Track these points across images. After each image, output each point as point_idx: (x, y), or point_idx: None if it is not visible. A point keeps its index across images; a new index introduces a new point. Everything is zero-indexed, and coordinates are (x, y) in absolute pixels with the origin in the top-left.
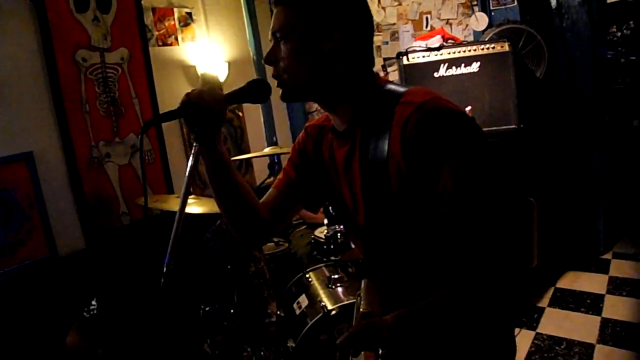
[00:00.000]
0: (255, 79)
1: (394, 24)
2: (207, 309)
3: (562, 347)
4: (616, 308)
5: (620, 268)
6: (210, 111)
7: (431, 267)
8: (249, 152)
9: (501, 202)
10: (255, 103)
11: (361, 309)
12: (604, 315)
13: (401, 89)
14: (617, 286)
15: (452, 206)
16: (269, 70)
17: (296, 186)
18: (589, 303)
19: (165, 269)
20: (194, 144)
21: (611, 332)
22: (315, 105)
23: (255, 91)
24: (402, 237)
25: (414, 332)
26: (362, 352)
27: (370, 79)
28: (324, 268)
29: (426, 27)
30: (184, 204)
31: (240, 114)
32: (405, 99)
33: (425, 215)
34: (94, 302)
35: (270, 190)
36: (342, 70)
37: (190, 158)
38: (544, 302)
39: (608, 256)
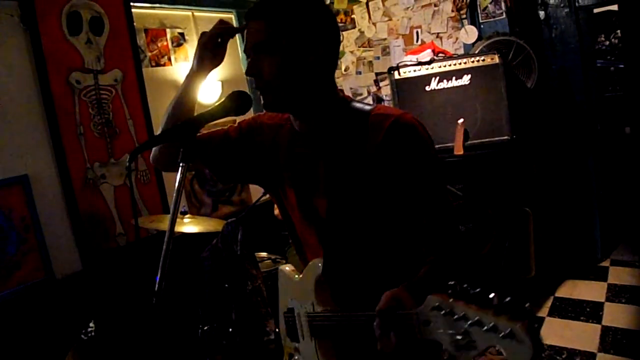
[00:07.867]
0: (235, 91)
1: (384, 39)
2: (205, 328)
3: (563, 356)
4: (616, 315)
5: (618, 275)
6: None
7: (386, 260)
8: None
9: (445, 190)
10: (238, 115)
11: (319, 309)
12: (604, 323)
13: (369, 106)
14: (616, 293)
15: (422, 199)
16: None
17: (228, 145)
18: (589, 311)
19: (157, 287)
20: (181, 164)
21: (612, 340)
22: None
23: (236, 103)
24: (364, 227)
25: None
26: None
27: (335, 91)
28: None
29: (417, 41)
30: (173, 222)
31: None
32: (379, 112)
33: (385, 210)
34: (91, 324)
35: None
36: (319, 82)
37: (178, 177)
38: (544, 312)
39: (606, 263)
